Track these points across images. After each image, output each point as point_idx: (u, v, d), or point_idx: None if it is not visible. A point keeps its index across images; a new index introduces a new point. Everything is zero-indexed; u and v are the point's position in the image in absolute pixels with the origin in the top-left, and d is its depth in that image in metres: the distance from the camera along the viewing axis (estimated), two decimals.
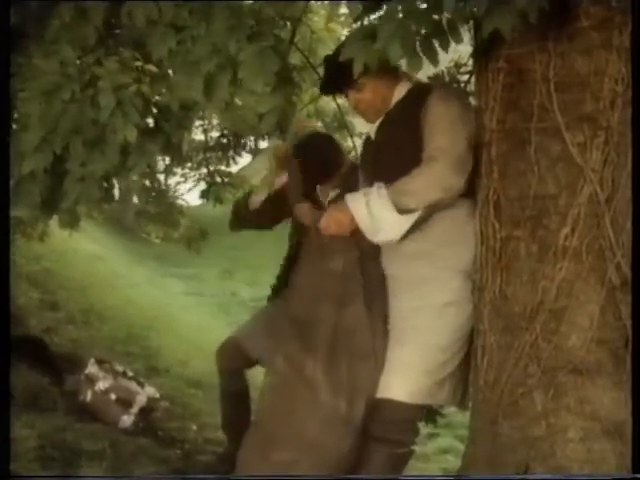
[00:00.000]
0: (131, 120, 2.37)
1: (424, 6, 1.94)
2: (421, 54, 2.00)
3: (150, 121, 2.61)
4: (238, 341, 3.25)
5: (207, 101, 2.32)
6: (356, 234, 2.53)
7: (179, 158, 3.37)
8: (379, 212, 2.44)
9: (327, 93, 2.93)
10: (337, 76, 2.61)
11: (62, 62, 2.42)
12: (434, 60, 2.05)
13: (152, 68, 2.44)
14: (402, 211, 2.43)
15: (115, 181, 2.78)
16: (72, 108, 2.43)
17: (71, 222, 2.70)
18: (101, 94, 2.37)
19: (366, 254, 2.69)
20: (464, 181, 2.45)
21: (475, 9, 1.92)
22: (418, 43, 1.96)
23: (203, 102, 2.35)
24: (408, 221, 2.45)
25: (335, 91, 2.87)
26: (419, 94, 2.57)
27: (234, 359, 3.25)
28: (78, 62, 2.44)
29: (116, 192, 2.89)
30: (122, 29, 2.50)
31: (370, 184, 2.56)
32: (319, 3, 5.96)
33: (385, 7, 1.96)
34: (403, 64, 2.15)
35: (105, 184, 2.73)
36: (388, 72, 2.55)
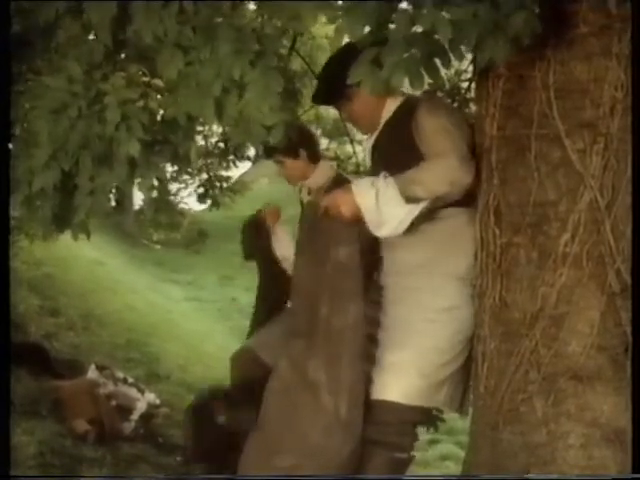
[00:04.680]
0: (135, 134, 2.40)
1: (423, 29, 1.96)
2: (424, 73, 2.02)
3: (157, 133, 2.62)
4: (253, 350, 3.24)
5: (217, 119, 2.36)
6: (356, 224, 2.53)
7: (187, 167, 3.42)
8: (386, 205, 2.43)
9: (319, 104, 2.93)
10: (329, 87, 2.63)
11: (69, 79, 2.44)
12: (437, 78, 2.08)
13: (159, 83, 2.46)
14: (409, 200, 2.42)
15: (124, 193, 2.80)
16: (80, 124, 2.45)
17: (83, 233, 2.74)
18: (108, 109, 2.39)
19: (365, 249, 2.67)
20: (471, 178, 2.45)
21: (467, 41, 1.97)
22: (421, 63, 2.00)
23: (212, 119, 2.39)
24: (412, 214, 2.44)
25: (326, 102, 2.87)
26: (408, 107, 2.59)
27: (249, 368, 3.24)
28: (85, 77, 2.46)
29: (125, 202, 2.91)
30: (128, 43, 2.51)
31: None
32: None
33: (389, 35, 1.99)
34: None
35: (115, 196, 2.75)
36: None
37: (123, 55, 2.58)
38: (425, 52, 1.97)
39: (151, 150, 2.57)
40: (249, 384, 3.17)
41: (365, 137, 2.89)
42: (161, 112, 2.52)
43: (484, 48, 1.95)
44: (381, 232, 2.49)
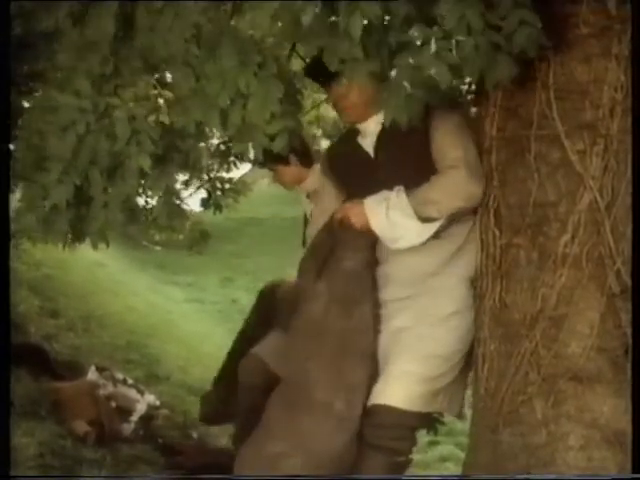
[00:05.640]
0: (145, 149, 2.42)
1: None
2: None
3: (167, 142, 2.64)
4: (261, 358, 3.23)
5: (222, 128, 2.40)
6: (367, 234, 2.53)
7: (198, 174, 3.45)
8: (399, 220, 2.45)
9: (309, 77, 2.83)
10: (322, 67, 2.58)
11: (76, 94, 2.45)
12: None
13: (168, 94, 2.47)
14: (424, 220, 2.45)
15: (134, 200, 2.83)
16: (88, 140, 2.47)
17: (102, 242, 2.77)
18: (117, 124, 2.41)
19: (375, 258, 2.68)
20: (483, 188, 2.45)
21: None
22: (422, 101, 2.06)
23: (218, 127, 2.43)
24: (431, 229, 2.46)
25: (316, 79, 2.78)
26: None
27: (256, 376, 3.23)
28: (92, 92, 2.46)
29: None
30: (134, 55, 2.52)
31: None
32: None
33: (391, 77, 2.04)
34: None
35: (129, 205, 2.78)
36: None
37: (131, 69, 2.58)
38: (426, 92, 2.02)
39: (162, 159, 2.60)
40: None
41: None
42: (170, 121, 2.53)
43: (489, 74, 2.00)
44: (398, 246, 2.50)
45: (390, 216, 2.46)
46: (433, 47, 1.92)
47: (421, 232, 2.46)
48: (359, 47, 2.01)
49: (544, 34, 1.99)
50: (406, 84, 1.98)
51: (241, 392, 3.32)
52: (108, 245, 2.76)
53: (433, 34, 1.93)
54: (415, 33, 1.96)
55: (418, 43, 1.96)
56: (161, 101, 2.46)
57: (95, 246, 2.75)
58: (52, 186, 2.51)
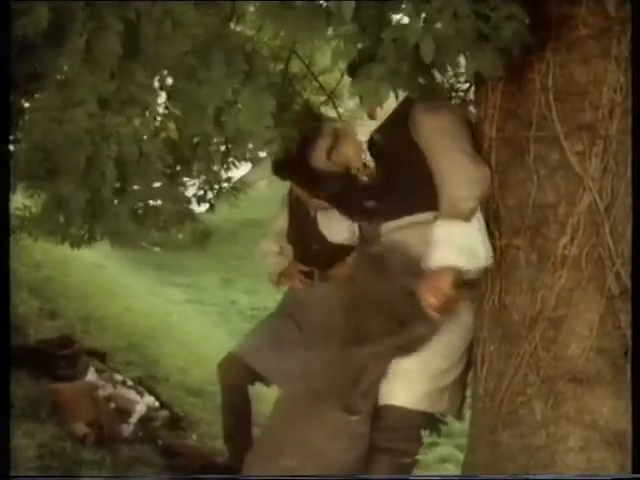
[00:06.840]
0: (155, 168, 2.45)
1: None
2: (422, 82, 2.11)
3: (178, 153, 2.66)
4: (241, 357, 3.24)
5: (218, 132, 2.40)
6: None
7: (211, 178, 3.50)
8: (464, 241, 2.36)
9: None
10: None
11: (83, 113, 2.45)
12: (415, 92, 2.18)
13: (177, 112, 2.49)
14: (466, 218, 2.37)
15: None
16: (97, 160, 2.48)
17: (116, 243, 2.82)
18: (124, 146, 2.43)
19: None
20: (488, 168, 2.39)
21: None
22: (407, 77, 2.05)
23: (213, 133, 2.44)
24: (480, 226, 2.39)
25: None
26: (407, 103, 2.50)
27: (237, 375, 3.24)
28: (99, 110, 2.47)
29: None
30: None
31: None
32: None
33: (380, 50, 2.02)
34: None
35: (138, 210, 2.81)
36: None
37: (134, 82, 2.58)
38: (411, 67, 2.01)
39: (174, 169, 2.63)
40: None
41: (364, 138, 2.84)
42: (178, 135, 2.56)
43: (472, 61, 2.01)
44: (482, 262, 2.39)
45: (458, 243, 2.35)
46: (422, 21, 1.92)
47: (480, 238, 2.37)
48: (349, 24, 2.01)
49: (532, 32, 1.99)
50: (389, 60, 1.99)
51: (223, 393, 3.34)
52: (121, 246, 2.82)
53: (423, 8, 1.93)
54: (404, 5, 1.97)
55: (407, 20, 1.97)
56: (167, 112, 2.48)
57: (112, 246, 2.82)
58: (67, 193, 2.54)
